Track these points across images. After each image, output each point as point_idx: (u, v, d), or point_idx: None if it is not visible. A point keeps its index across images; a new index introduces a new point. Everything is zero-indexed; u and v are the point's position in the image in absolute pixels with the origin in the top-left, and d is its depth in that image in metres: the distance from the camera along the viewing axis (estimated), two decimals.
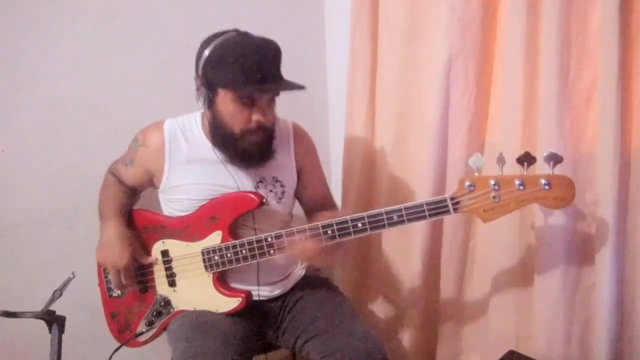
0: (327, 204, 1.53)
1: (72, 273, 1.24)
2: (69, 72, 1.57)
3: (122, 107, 1.63)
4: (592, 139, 1.29)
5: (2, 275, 1.56)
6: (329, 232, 1.25)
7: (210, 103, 1.29)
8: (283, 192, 1.43)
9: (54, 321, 1.17)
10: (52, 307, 1.18)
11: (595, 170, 1.28)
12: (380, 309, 1.88)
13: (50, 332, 1.18)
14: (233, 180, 1.36)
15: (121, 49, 1.63)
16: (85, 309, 1.55)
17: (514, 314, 1.49)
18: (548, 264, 1.36)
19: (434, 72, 1.52)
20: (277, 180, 1.42)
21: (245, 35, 1.26)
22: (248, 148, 1.31)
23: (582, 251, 1.35)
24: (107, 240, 1.37)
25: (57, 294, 1.20)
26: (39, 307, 1.18)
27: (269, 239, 1.29)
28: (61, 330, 1.18)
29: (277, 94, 1.31)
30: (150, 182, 1.43)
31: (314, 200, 1.52)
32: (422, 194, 1.59)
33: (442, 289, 1.68)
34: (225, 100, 1.26)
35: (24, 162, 1.55)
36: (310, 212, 1.52)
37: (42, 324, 1.18)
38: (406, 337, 1.73)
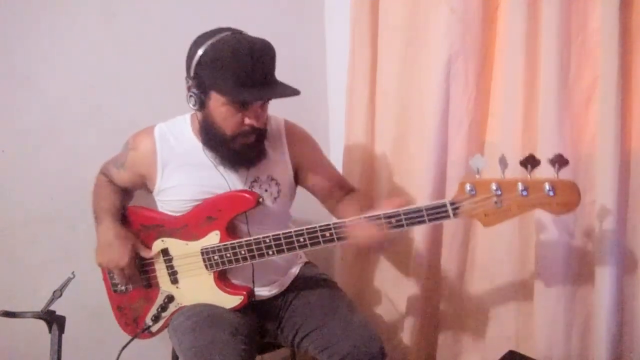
0: (344, 187, 1.52)
1: (72, 273, 1.24)
2: (68, 72, 1.57)
3: (122, 107, 1.63)
4: (592, 139, 1.29)
5: (2, 275, 1.56)
6: (327, 234, 1.24)
7: (201, 105, 1.26)
8: (279, 192, 1.41)
9: (54, 321, 1.18)
10: (52, 307, 1.18)
11: (595, 170, 1.28)
12: (380, 308, 1.89)
13: (50, 332, 1.18)
14: (225, 180, 1.36)
15: (121, 49, 1.63)
16: (85, 309, 1.55)
17: (514, 314, 1.49)
18: (548, 264, 1.36)
19: (434, 73, 1.52)
20: (272, 179, 1.40)
21: (239, 36, 1.22)
22: (239, 149, 1.30)
23: (582, 251, 1.35)
24: (105, 241, 1.37)
25: (57, 294, 1.20)
26: (39, 307, 1.18)
27: (267, 240, 1.28)
28: (61, 330, 1.19)
29: (270, 99, 1.29)
30: (143, 184, 1.43)
31: (327, 187, 1.49)
32: (422, 194, 1.59)
33: (442, 289, 1.68)
34: (217, 103, 1.24)
35: (24, 162, 1.55)
36: (328, 199, 1.50)
37: (42, 324, 1.18)
38: (406, 337, 1.73)
